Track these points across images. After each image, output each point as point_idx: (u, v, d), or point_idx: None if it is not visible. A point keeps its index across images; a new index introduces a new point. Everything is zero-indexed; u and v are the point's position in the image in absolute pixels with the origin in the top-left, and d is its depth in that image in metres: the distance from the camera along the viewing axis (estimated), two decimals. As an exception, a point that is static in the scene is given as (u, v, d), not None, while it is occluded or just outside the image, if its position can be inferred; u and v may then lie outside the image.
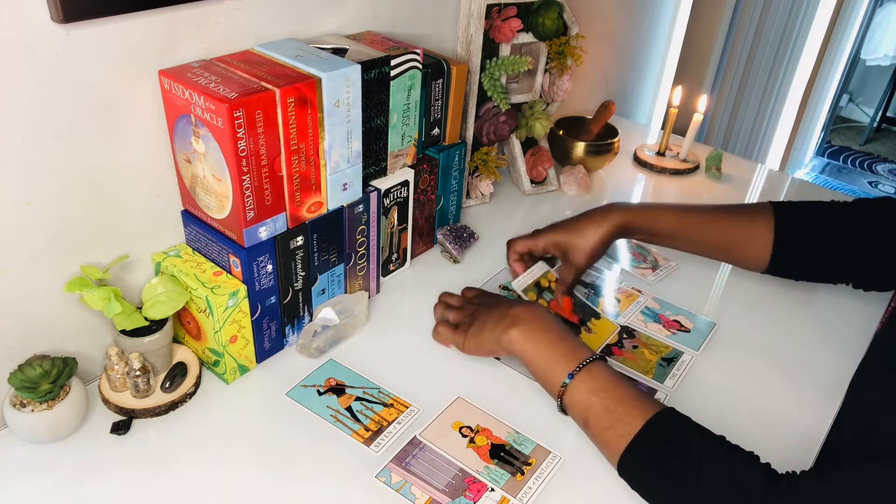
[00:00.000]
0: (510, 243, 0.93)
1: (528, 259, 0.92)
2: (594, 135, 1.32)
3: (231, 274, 0.77)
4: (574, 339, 0.75)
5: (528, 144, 1.25)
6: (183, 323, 0.81)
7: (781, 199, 1.31)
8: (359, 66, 0.76)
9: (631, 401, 0.68)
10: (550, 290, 0.84)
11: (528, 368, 0.76)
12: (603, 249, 0.88)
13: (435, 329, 0.85)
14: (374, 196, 0.87)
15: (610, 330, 0.85)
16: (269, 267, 0.78)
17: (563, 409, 0.73)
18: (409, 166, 0.95)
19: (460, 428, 0.76)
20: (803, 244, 0.86)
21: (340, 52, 0.81)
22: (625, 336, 0.92)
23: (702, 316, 0.97)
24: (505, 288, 0.99)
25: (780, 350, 0.92)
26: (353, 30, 0.92)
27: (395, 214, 0.94)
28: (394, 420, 0.77)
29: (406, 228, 0.98)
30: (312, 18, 0.86)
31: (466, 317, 0.83)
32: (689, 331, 0.94)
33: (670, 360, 0.89)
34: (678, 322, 0.96)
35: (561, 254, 0.90)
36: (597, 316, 0.86)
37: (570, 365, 0.72)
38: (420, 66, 0.87)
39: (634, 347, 0.90)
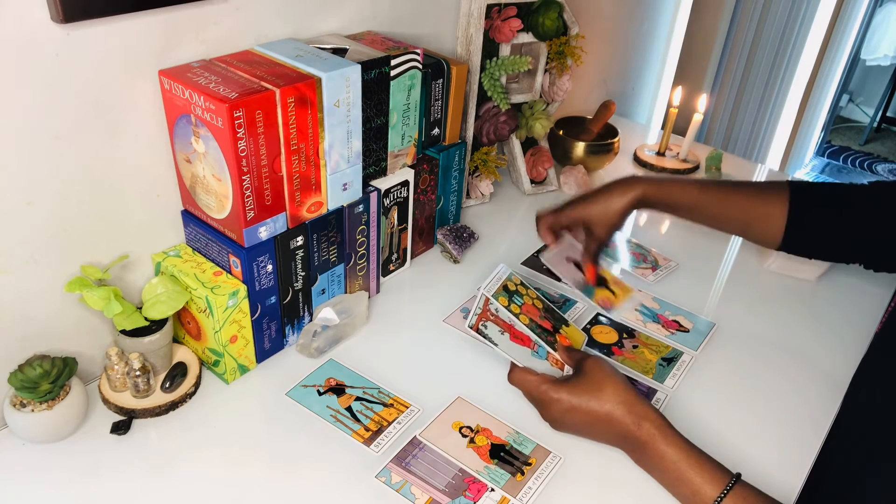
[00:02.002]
0: (538, 218, 0.92)
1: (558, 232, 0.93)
2: (594, 135, 1.32)
3: (231, 274, 0.77)
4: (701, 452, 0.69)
5: (528, 144, 1.25)
6: (183, 323, 0.81)
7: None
8: (359, 66, 0.76)
9: None
10: (519, 294, 0.83)
11: (657, 469, 0.69)
12: (622, 221, 0.89)
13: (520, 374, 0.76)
14: (374, 196, 0.87)
15: (579, 340, 0.85)
16: (269, 267, 0.78)
17: None
18: (409, 166, 0.95)
19: (460, 428, 0.76)
20: (816, 221, 0.86)
21: (340, 52, 0.81)
22: (625, 336, 0.92)
23: (701, 316, 0.97)
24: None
25: (780, 350, 0.92)
26: (353, 30, 0.92)
27: (395, 214, 0.94)
28: (394, 420, 0.77)
29: (406, 228, 0.98)
30: (312, 18, 0.86)
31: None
32: (688, 331, 0.94)
33: (670, 360, 0.89)
34: (677, 322, 0.96)
35: (584, 226, 0.90)
36: (566, 323, 0.85)
37: (716, 483, 0.65)
38: (420, 66, 0.87)
39: (634, 347, 0.90)
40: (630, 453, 0.71)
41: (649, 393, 0.84)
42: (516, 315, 0.79)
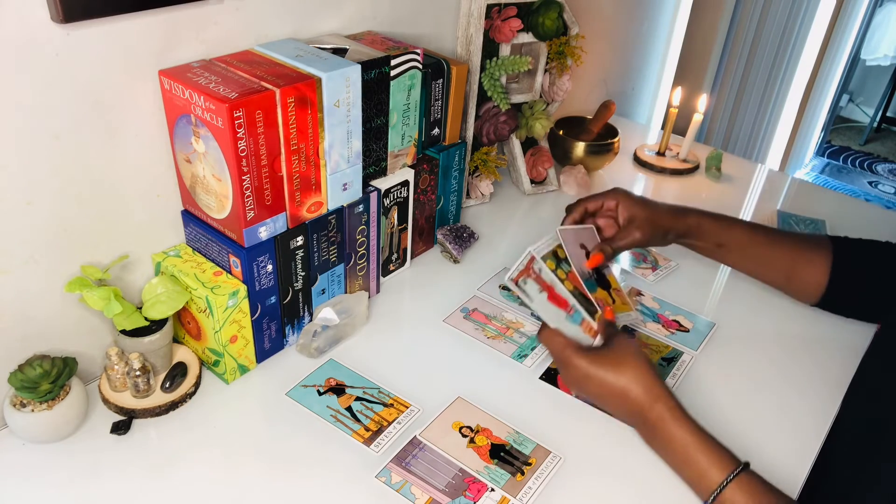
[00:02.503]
0: (579, 201, 0.89)
1: (586, 219, 0.89)
2: (594, 135, 1.32)
3: (231, 274, 0.77)
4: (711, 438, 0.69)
5: (528, 144, 1.25)
6: (183, 323, 0.81)
7: (782, 200, 1.31)
8: (359, 66, 0.76)
9: None
10: (568, 262, 0.79)
11: (665, 450, 0.69)
12: (663, 235, 0.87)
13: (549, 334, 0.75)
14: (374, 196, 0.87)
15: (625, 309, 0.82)
16: (269, 267, 0.78)
17: None
18: (409, 166, 0.95)
19: (460, 428, 0.76)
20: (859, 280, 0.85)
21: (340, 52, 0.81)
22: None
23: (701, 316, 0.97)
24: (504, 288, 0.99)
25: (780, 350, 0.92)
26: (353, 30, 0.92)
27: (395, 214, 0.94)
28: (394, 420, 0.77)
29: (406, 228, 0.98)
30: (312, 18, 0.86)
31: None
32: (688, 331, 0.94)
33: (670, 359, 0.89)
34: (677, 322, 0.96)
35: (624, 220, 0.87)
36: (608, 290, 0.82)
37: (723, 468, 0.65)
38: (420, 66, 0.87)
39: None
40: (640, 432, 0.71)
41: None
42: (562, 280, 0.77)
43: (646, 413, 0.69)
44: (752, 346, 0.93)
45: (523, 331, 0.92)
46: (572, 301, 0.76)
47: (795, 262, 0.88)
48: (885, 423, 0.70)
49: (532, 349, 0.89)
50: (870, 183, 3.33)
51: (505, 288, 0.99)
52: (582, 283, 0.80)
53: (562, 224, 0.87)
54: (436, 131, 0.98)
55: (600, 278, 0.85)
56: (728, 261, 0.91)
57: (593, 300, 0.79)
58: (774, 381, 0.87)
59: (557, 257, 0.79)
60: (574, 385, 0.74)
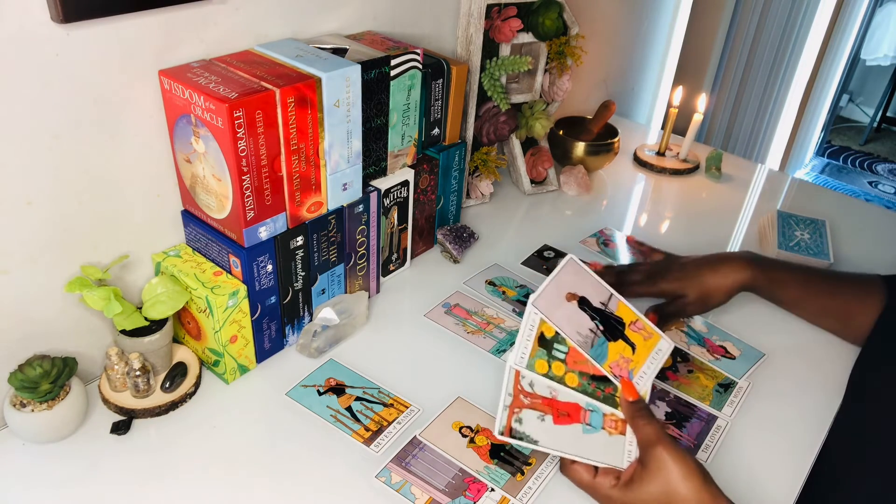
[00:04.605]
0: (622, 289, 0.81)
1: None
2: (594, 135, 1.32)
3: (231, 274, 0.77)
4: None
5: (528, 144, 1.25)
6: (183, 323, 0.81)
7: (782, 200, 1.31)
8: (359, 66, 0.76)
9: None
10: (560, 340, 0.65)
11: None
12: (721, 304, 0.88)
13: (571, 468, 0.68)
14: (374, 196, 0.87)
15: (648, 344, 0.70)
16: (269, 267, 0.78)
17: None
18: (409, 166, 0.95)
19: (460, 428, 0.76)
20: None
21: (340, 52, 0.81)
22: (679, 360, 0.88)
23: (749, 344, 0.91)
24: (491, 283, 0.98)
25: (785, 353, 0.92)
26: (353, 30, 0.92)
27: (395, 214, 0.94)
28: (394, 420, 0.77)
29: (406, 228, 0.98)
30: (312, 18, 0.86)
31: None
32: (734, 358, 0.89)
33: (727, 386, 0.84)
34: (724, 348, 0.90)
35: (679, 297, 0.87)
36: (622, 331, 0.70)
37: None
38: (420, 66, 0.87)
39: (689, 372, 0.86)
40: None
41: (709, 421, 0.79)
42: (561, 378, 0.65)
43: None
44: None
45: (504, 326, 0.92)
46: (584, 402, 0.66)
47: (850, 307, 0.88)
48: (881, 427, 0.70)
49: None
50: (870, 183, 3.34)
51: (491, 283, 0.98)
52: (587, 356, 0.66)
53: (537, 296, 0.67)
54: (436, 131, 0.98)
55: (606, 323, 0.69)
56: (783, 308, 0.92)
57: (609, 374, 0.66)
58: (779, 383, 0.87)
59: (545, 341, 0.66)
60: None
